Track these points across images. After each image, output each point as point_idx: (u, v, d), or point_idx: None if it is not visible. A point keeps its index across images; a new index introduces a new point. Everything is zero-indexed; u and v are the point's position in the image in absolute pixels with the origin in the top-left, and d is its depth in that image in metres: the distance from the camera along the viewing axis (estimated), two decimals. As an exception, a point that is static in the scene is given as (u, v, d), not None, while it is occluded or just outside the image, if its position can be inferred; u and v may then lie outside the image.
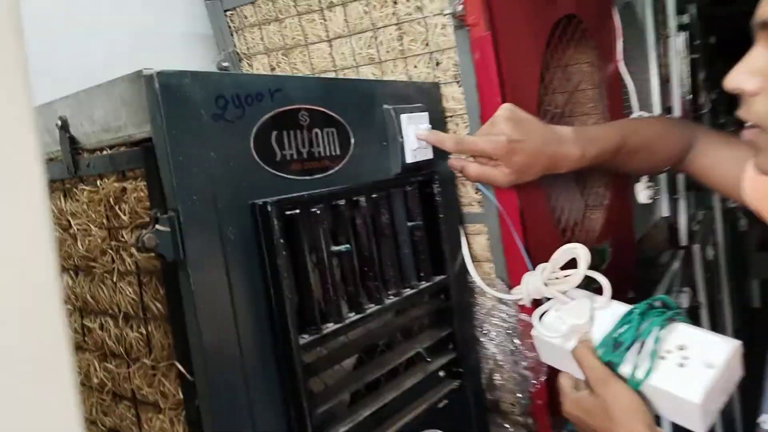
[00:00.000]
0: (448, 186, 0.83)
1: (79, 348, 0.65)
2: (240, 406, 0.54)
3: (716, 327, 2.18)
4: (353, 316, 0.63)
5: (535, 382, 0.85)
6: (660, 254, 1.86)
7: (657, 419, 0.64)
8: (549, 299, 0.75)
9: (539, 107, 0.95)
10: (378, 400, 0.66)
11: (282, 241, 0.55)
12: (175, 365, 0.54)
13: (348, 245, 0.62)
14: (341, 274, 0.63)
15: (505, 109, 0.75)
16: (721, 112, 2.64)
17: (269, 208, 0.55)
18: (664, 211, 1.82)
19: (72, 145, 0.60)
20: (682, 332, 0.63)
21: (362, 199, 0.65)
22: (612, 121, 1.16)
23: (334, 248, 0.61)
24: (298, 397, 0.56)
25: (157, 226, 0.50)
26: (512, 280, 0.86)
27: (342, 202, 0.63)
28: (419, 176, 0.74)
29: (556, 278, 0.75)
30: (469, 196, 0.86)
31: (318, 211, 0.60)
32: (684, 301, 1.81)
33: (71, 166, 0.61)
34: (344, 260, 0.63)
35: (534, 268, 0.83)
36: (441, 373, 0.78)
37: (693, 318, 1.97)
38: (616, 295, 0.73)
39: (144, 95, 0.50)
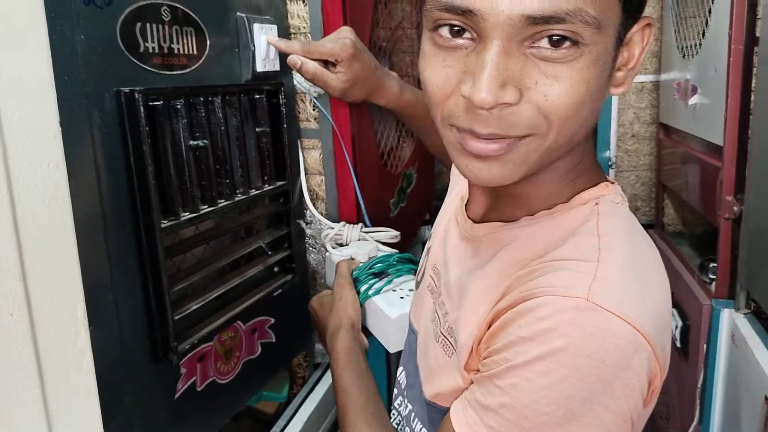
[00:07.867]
0: (289, 100, 0.90)
1: None
2: (104, 284, 0.57)
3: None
4: (206, 209, 0.69)
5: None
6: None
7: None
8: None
9: (370, 39, 1.04)
10: (224, 285, 0.73)
11: (147, 128, 0.58)
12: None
13: (205, 141, 0.67)
14: (197, 168, 0.68)
15: (349, 29, 0.83)
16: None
17: (136, 96, 0.57)
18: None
19: None
20: None
21: (218, 99, 0.69)
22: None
23: (192, 142, 0.65)
24: (158, 275, 0.61)
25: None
26: (340, 195, 0.97)
27: (200, 99, 0.66)
28: (268, 85, 0.80)
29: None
30: (307, 111, 0.93)
31: (179, 105, 0.63)
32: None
33: None
34: (200, 156, 0.67)
35: (359, 184, 0.95)
36: (276, 269, 0.87)
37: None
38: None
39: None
